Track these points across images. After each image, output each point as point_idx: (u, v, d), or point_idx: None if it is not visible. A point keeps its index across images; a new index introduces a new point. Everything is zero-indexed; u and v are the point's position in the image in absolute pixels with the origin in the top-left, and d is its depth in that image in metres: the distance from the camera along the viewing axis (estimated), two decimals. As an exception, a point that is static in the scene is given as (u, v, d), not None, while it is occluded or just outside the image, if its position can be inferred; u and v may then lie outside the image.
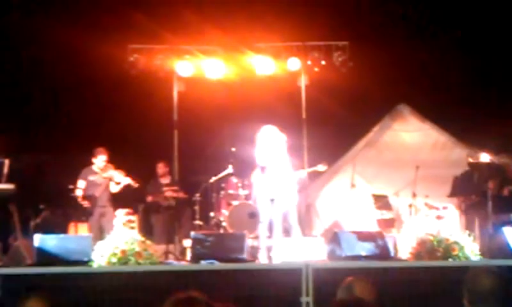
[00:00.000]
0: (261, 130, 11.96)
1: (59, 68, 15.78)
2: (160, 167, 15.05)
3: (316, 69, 15.59)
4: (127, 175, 13.80)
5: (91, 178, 13.82)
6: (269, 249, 11.68)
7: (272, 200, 11.57)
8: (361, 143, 16.82)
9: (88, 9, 15.85)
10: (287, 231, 12.29)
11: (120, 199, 13.82)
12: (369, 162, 16.15)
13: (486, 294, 4.36)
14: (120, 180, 13.74)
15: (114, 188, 13.87)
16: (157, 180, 14.83)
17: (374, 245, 11.11)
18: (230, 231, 13.50)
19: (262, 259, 11.49)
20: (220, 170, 14.31)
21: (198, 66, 15.65)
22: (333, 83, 15.40)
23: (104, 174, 13.76)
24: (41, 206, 15.02)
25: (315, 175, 14.77)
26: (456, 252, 10.34)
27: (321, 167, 13.50)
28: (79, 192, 13.74)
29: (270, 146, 11.83)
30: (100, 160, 13.80)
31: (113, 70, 15.36)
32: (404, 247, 12.61)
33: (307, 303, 7.98)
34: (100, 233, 11.34)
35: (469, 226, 12.39)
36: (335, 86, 15.46)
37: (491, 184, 12.33)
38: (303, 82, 15.66)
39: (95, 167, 13.85)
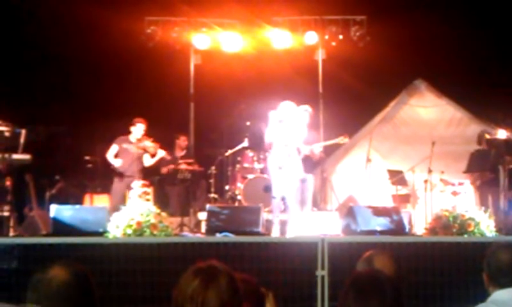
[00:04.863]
0: (278, 108, 11.86)
1: (77, 40, 15.77)
2: (184, 140, 15.11)
3: (333, 43, 15.52)
4: (161, 148, 13.66)
5: (125, 145, 13.52)
6: (282, 224, 11.68)
7: (282, 175, 11.53)
8: (378, 118, 16.81)
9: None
10: (302, 206, 12.30)
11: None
12: (385, 137, 16.13)
13: (508, 269, 4.32)
14: (154, 152, 13.54)
15: (148, 162, 13.68)
16: (172, 152, 14.82)
17: (389, 221, 11.15)
18: (245, 204, 13.52)
19: (275, 234, 11.46)
20: (236, 143, 14.32)
21: (215, 39, 15.59)
22: (350, 57, 15.35)
23: (139, 144, 13.51)
24: (57, 177, 15.09)
25: (331, 149, 14.75)
26: (471, 229, 10.37)
27: (342, 140, 13.45)
28: (110, 156, 13.49)
29: (283, 123, 11.73)
30: (138, 129, 13.54)
31: (130, 42, 15.32)
32: (419, 222, 12.63)
33: (322, 276, 8.00)
34: (122, 203, 11.20)
35: (483, 203, 12.34)
36: (352, 60, 15.41)
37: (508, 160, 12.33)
38: (320, 56, 15.59)
39: (131, 137, 13.58)
